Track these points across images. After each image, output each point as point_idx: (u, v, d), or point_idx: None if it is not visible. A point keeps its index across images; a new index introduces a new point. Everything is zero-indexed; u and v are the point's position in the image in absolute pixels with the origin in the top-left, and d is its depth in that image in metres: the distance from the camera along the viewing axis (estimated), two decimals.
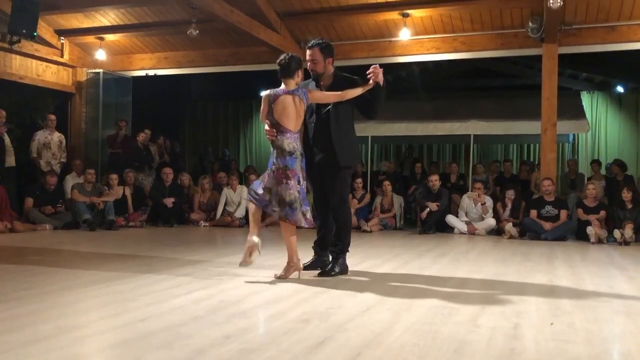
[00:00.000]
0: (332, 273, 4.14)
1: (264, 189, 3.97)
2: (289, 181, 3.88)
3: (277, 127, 3.93)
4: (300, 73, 4.00)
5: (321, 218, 4.36)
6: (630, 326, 2.85)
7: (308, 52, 4.17)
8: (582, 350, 2.39)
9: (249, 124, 14.47)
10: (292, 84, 3.96)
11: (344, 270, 4.22)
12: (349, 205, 4.37)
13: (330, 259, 4.28)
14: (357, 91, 4.05)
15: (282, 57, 4.02)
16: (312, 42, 4.18)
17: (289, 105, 3.91)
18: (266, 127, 3.99)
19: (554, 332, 2.68)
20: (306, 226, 3.98)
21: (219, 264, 4.65)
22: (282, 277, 3.94)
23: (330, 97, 4.07)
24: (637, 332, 2.73)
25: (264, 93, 3.98)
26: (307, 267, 4.29)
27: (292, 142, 3.92)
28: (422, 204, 8.21)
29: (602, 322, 2.91)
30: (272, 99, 3.92)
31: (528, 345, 2.44)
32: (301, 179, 3.95)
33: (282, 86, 3.98)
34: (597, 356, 2.32)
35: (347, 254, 4.32)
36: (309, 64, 4.20)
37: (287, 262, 4.00)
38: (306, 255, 4.59)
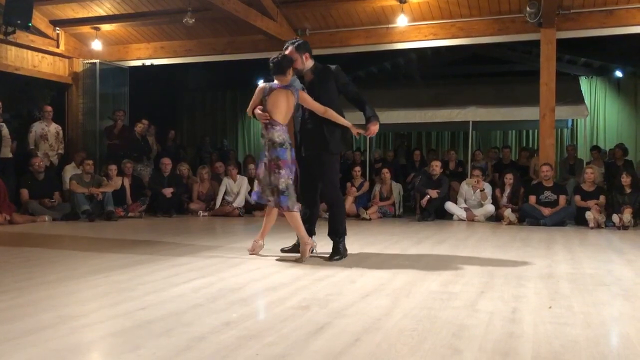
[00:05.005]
0: (335, 258, 4.25)
1: (258, 182, 4.31)
2: (280, 170, 4.16)
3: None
4: (291, 71, 4.25)
5: (306, 203, 4.57)
6: (629, 309, 2.87)
7: (285, 53, 4.44)
8: (580, 333, 2.40)
9: (246, 114, 14.39)
10: (285, 80, 4.21)
11: (345, 254, 4.36)
12: (339, 191, 4.61)
13: (332, 246, 4.39)
14: (340, 119, 4.30)
15: (274, 56, 4.27)
16: (287, 44, 4.45)
17: (282, 99, 4.18)
18: (258, 110, 4.24)
19: (552, 315, 2.69)
20: (296, 211, 4.21)
21: (219, 253, 4.66)
22: (301, 260, 4.16)
23: (315, 106, 4.27)
24: (635, 315, 2.74)
25: (260, 85, 4.27)
26: (289, 251, 4.53)
27: (281, 134, 4.19)
28: (422, 191, 8.21)
29: (601, 305, 2.92)
30: (267, 92, 4.20)
31: (526, 329, 2.45)
32: (292, 168, 4.22)
33: (276, 82, 4.23)
34: (595, 339, 2.34)
35: (346, 237, 4.46)
36: None
37: (301, 245, 4.24)
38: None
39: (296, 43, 4.39)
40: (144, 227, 7.18)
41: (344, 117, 4.37)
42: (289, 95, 4.20)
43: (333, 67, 4.39)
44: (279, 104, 4.17)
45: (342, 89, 4.40)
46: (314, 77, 4.39)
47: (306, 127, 4.37)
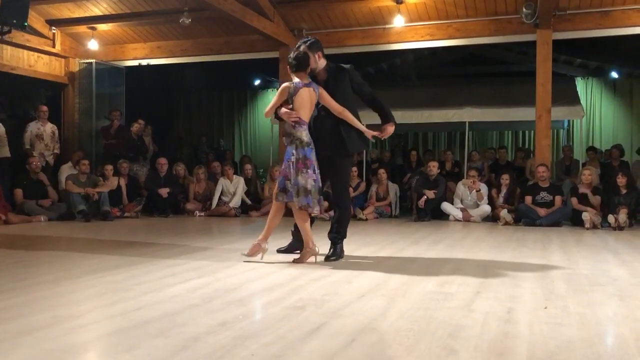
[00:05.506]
0: (332, 259, 4.25)
1: (287, 181, 4.10)
2: (307, 170, 4.06)
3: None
4: (309, 69, 4.19)
5: None
6: (624, 309, 2.87)
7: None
8: (576, 334, 2.41)
9: (243, 114, 14.41)
10: (305, 77, 4.14)
11: (341, 255, 4.36)
12: (349, 193, 4.51)
13: (330, 245, 4.39)
14: (355, 122, 4.27)
15: (295, 52, 4.18)
16: (299, 43, 4.35)
17: (307, 97, 4.10)
18: (285, 110, 4.09)
19: (547, 315, 2.69)
20: (317, 213, 4.14)
21: (215, 253, 4.65)
22: (300, 262, 4.10)
23: (333, 105, 4.22)
24: (630, 315, 2.75)
25: (284, 85, 4.14)
26: (285, 251, 4.49)
27: (307, 132, 4.11)
28: (420, 192, 8.21)
29: (596, 306, 2.93)
30: (294, 92, 4.07)
31: (522, 329, 2.46)
32: (315, 168, 4.11)
33: (297, 79, 4.12)
34: (590, 339, 2.34)
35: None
36: None
37: (304, 248, 4.16)
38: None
39: (308, 42, 4.29)
40: (140, 227, 7.17)
41: (358, 116, 4.33)
42: (311, 93, 4.11)
43: (347, 66, 4.33)
44: (305, 103, 4.08)
45: (357, 88, 4.35)
46: (328, 77, 4.31)
47: (323, 127, 4.26)
